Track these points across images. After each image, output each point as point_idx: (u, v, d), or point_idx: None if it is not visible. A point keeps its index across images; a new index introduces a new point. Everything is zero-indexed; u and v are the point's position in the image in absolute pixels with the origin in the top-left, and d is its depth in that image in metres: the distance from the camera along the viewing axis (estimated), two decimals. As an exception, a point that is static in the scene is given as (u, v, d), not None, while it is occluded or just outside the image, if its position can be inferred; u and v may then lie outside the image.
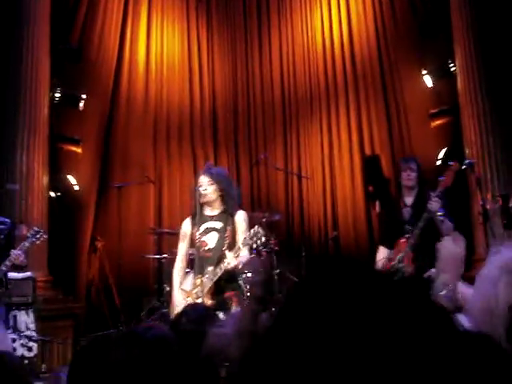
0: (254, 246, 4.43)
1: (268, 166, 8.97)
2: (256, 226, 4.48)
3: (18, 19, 6.97)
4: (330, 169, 8.93)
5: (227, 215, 4.76)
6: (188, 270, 5.13)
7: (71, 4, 8.07)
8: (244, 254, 4.54)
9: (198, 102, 9.59)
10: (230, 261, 4.47)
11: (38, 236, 5.18)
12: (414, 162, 5.52)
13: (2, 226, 5.20)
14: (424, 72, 7.73)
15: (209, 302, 4.53)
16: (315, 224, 8.92)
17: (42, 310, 6.07)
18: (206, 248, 4.74)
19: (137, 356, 1.37)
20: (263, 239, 4.49)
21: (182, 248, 4.97)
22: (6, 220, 5.36)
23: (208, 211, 4.80)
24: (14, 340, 5.26)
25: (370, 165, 8.38)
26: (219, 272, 4.52)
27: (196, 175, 5.07)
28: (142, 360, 1.35)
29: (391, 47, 8.41)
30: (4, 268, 4.94)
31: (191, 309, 2.52)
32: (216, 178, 4.80)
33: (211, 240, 4.72)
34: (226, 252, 4.56)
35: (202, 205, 4.79)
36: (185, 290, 4.75)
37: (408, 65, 8.10)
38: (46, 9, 7.25)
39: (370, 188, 8.37)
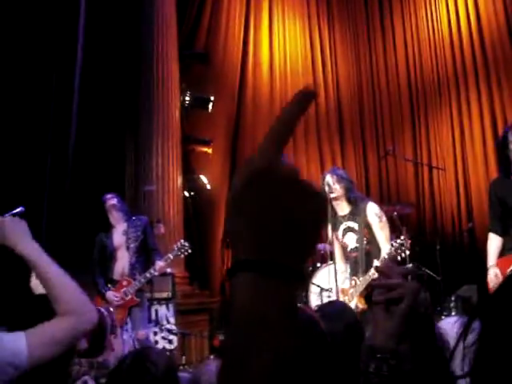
0: (399, 258, 4.39)
1: (397, 157, 8.79)
2: (402, 237, 4.43)
3: (145, 29, 7.34)
4: (462, 157, 8.61)
5: (358, 213, 4.75)
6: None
7: (195, 9, 8.36)
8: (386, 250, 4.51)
9: (322, 97, 9.59)
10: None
11: (182, 250, 5.46)
12: None
13: (138, 223, 5.51)
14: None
15: (361, 305, 4.54)
16: (448, 216, 8.64)
17: (180, 304, 6.34)
18: (349, 249, 4.78)
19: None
20: (407, 252, 4.45)
21: (336, 250, 5.00)
22: (142, 217, 5.67)
23: (339, 211, 4.82)
24: (155, 333, 5.53)
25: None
26: (368, 279, 4.50)
27: (323, 172, 5.10)
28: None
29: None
30: (148, 275, 5.25)
31: (328, 305, 2.53)
32: (339, 178, 4.83)
33: (351, 241, 4.74)
34: (375, 261, 4.54)
35: (332, 206, 4.81)
36: (343, 288, 4.79)
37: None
38: (172, 16, 7.56)
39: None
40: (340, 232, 4.81)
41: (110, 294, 5.23)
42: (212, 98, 8.13)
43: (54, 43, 6.50)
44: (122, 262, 5.36)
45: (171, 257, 5.42)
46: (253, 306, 0.58)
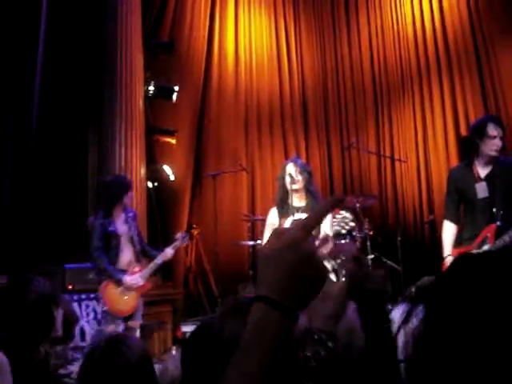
0: (343, 231, 4.39)
1: (360, 149, 8.87)
2: (343, 211, 4.44)
3: (109, 18, 7.23)
4: (424, 151, 8.73)
5: (314, 207, 4.74)
6: None
7: (160, -1, 8.30)
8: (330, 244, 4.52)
9: (287, 89, 9.62)
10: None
11: (185, 239, 5.65)
12: (503, 127, 4.57)
13: (130, 214, 5.45)
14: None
15: None
16: (410, 208, 8.76)
17: (143, 295, 6.29)
18: None
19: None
20: (352, 224, 4.45)
21: None
22: (131, 209, 5.60)
23: (295, 202, 4.79)
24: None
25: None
26: None
27: (284, 164, 5.05)
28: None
29: (485, 23, 8.09)
30: (160, 261, 5.39)
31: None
32: (302, 169, 4.82)
33: None
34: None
35: (288, 195, 4.80)
36: None
37: (503, 41, 7.77)
38: (136, 5, 7.47)
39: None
40: (288, 222, 4.76)
41: (128, 279, 5.14)
42: (176, 88, 8.07)
43: (15, 30, 6.37)
44: (128, 251, 5.30)
45: (178, 244, 5.51)
46: (261, 325, 0.87)
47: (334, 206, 0.99)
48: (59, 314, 2.33)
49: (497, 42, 7.93)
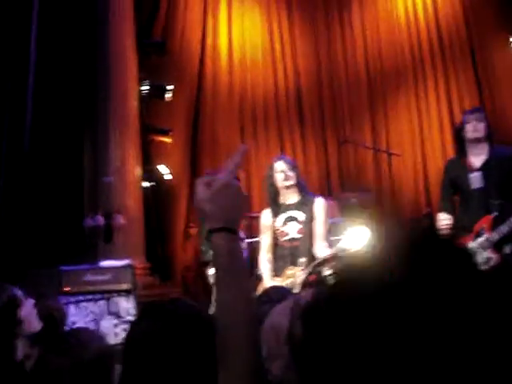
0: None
1: (356, 144, 8.86)
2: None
3: (101, 17, 7.22)
4: (420, 144, 8.73)
5: (306, 203, 4.73)
6: None
7: (152, -2, 8.29)
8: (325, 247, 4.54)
9: (282, 85, 9.60)
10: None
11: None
12: (481, 113, 4.59)
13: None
14: (512, 39, 7.39)
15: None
16: (407, 201, 8.75)
17: (141, 296, 6.29)
18: (287, 238, 4.71)
19: (159, 329, 1.42)
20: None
21: (266, 240, 4.91)
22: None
23: (286, 200, 4.76)
24: (115, 325, 5.50)
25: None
26: (314, 270, 4.52)
27: (271, 163, 4.97)
28: (166, 333, 1.42)
29: (478, 15, 8.11)
30: None
31: (273, 290, 2.54)
32: (292, 165, 4.79)
33: (291, 229, 4.67)
34: (326, 250, 4.54)
35: (278, 193, 4.77)
36: (277, 281, 4.75)
37: (497, 34, 7.79)
38: (128, 4, 7.46)
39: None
40: (281, 220, 4.75)
41: None
42: (171, 87, 8.06)
43: (7, 29, 6.35)
44: None
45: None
46: (226, 245, 1.23)
47: (242, 155, 1.38)
48: (28, 310, 2.31)
49: (491, 37, 7.96)
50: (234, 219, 1.26)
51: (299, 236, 4.63)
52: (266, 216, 4.89)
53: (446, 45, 8.53)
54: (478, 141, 4.50)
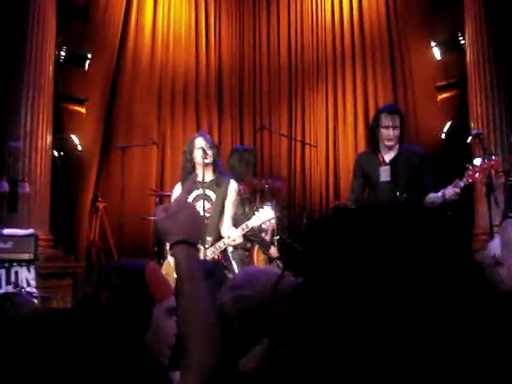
0: (264, 226, 4.45)
1: (272, 132, 8.93)
2: (269, 208, 4.49)
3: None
4: (333, 137, 8.93)
5: (221, 183, 4.73)
6: None
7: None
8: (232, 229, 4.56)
9: (203, 66, 9.53)
10: (236, 238, 4.48)
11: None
12: (399, 116, 4.68)
13: None
14: (433, 44, 7.67)
15: None
16: (317, 192, 8.95)
17: (43, 267, 6.11)
18: None
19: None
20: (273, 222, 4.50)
21: None
22: None
23: (200, 177, 4.74)
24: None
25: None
26: (222, 247, 4.54)
27: (191, 138, 4.94)
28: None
29: (401, 18, 8.36)
30: None
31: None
32: (211, 144, 4.78)
33: (200, 207, 4.66)
34: (232, 229, 4.55)
35: (194, 169, 4.75)
36: None
37: (417, 36, 8.04)
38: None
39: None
40: (192, 196, 4.72)
41: None
42: (89, 56, 7.81)
43: None
44: None
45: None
46: (185, 256, 1.39)
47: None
48: None
49: (410, 37, 8.20)
50: (193, 233, 1.42)
51: (208, 215, 4.64)
52: (177, 190, 4.88)
53: (367, 42, 8.74)
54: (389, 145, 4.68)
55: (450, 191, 4.31)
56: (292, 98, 9.50)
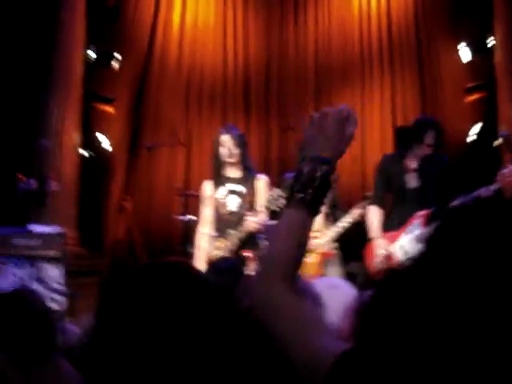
0: (277, 209, 4.44)
1: (298, 133, 8.91)
2: (277, 189, 4.46)
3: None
4: (360, 139, 8.86)
5: (249, 179, 4.75)
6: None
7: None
8: (263, 217, 4.56)
9: (231, 66, 9.55)
10: (252, 224, 4.48)
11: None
12: (439, 136, 4.74)
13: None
14: (461, 46, 7.59)
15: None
16: (343, 197, 8.88)
17: (70, 265, 6.17)
18: (227, 210, 4.73)
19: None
20: (284, 202, 4.51)
21: (206, 212, 4.91)
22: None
23: (230, 173, 4.76)
24: (41, 292, 5.37)
25: (401, 137, 8.29)
26: (242, 234, 4.55)
27: (219, 132, 4.94)
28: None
29: (429, 19, 8.26)
30: None
31: (220, 261, 2.54)
32: (239, 141, 4.79)
33: (232, 203, 4.69)
34: (248, 215, 4.57)
35: (223, 166, 4.77)
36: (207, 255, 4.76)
37: (445, 38, 7.96)
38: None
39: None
40: (222, 192, 4.76)
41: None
42: (118, 56, 7.90)
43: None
44: None
45: None
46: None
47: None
48: None
49: (438, 41, 8.12)
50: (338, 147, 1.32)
51: (237, 210, 4.66)
52: (207, 187, 4.91)
53: (395, 44, 8.66)
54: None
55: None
56: (318, 100, 9.46)
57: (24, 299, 1.74)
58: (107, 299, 0.99)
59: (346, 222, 5.20)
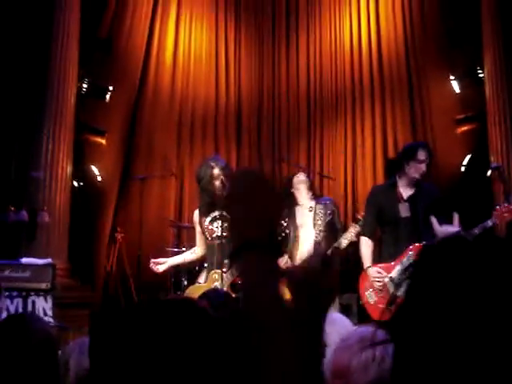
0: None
1: (290, 164, 8.93)
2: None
3: (47, 6, 7.02)
4: (352, 171, 8.89)
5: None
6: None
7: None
8: None
9: (223, 98, 9.61)
10: None
11: None
12: (429, 154, 4.81)
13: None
14: (451, 77, 7.68)
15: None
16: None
17: (60, 297, 6.10)
18: (214, 235, 4.70)
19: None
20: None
21: (197, 236, 5.01)
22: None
23: (217, 202, 4.73)
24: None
25: (393, 168, 8.32)
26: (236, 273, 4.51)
27: (207, 164, 4.86)
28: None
29: (419, 51, 8.37)
30: None
31: (212, 293, 2.50)
32: (228, 172, 4.77)
33: (218, 228, 4.66)
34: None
35: (213, 196, 4.73)
36: (201, 286, 4.72)
37: (435, 69, 8.05)
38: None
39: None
40: (209, 219, 4.76)
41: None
42: (111, 88, 7.93)
43: None
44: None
45: None
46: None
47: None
48: None
49: (429, 73, 8.21)
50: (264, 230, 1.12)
51: (225, 234, 4.61)
52: (196, 214, 4.92)
53: (385, 78, 8.75)
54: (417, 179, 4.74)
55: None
56: (311, 131, 9.51)
57: (26, 328, 1.70)
58: (105, 340, 0.96)
59: (343, 239, 5.14)
